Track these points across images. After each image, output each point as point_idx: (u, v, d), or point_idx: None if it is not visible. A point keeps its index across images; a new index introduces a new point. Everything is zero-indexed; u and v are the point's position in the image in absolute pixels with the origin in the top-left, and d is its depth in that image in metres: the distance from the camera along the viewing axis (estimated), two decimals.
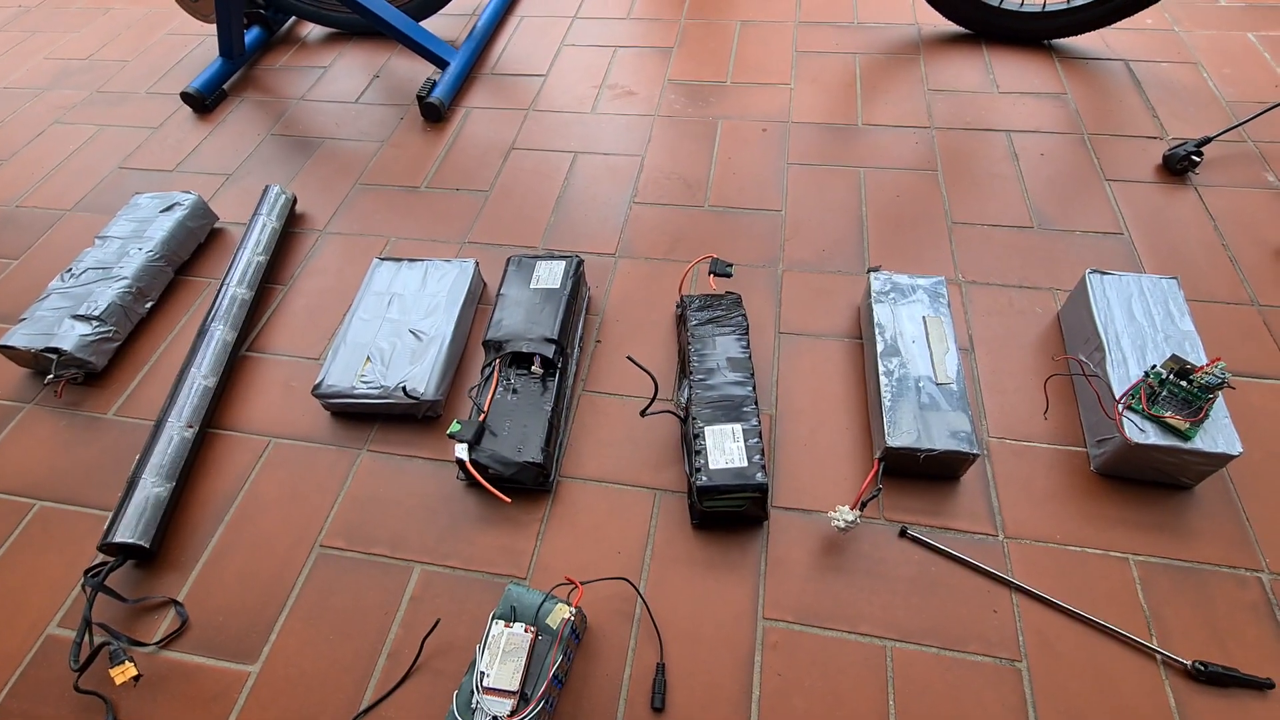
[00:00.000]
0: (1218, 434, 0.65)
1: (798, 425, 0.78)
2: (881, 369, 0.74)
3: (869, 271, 0.83)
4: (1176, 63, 1.19)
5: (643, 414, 0.72)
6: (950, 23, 1.31)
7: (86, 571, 0.67)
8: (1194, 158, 0.99)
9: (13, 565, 0.73)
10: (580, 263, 0.87)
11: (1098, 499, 0.70)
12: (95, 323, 0.86)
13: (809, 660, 0.62)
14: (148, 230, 0.97)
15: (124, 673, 0.60)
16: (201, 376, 0.81)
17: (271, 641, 0.66)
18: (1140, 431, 0.66)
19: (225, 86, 1.32)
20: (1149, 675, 0.60)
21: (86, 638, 0.64)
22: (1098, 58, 1.21)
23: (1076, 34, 1.21)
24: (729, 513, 0.69)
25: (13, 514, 0.77)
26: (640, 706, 0.61)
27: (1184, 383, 0.67)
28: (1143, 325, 0.74)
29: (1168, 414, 0.66)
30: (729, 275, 0.84)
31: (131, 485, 0.72)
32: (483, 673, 0.56)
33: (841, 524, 0.65)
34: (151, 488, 0.72)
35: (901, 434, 0.69)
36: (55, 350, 0.83)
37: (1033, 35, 1.24)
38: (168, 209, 0.99)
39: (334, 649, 0.65)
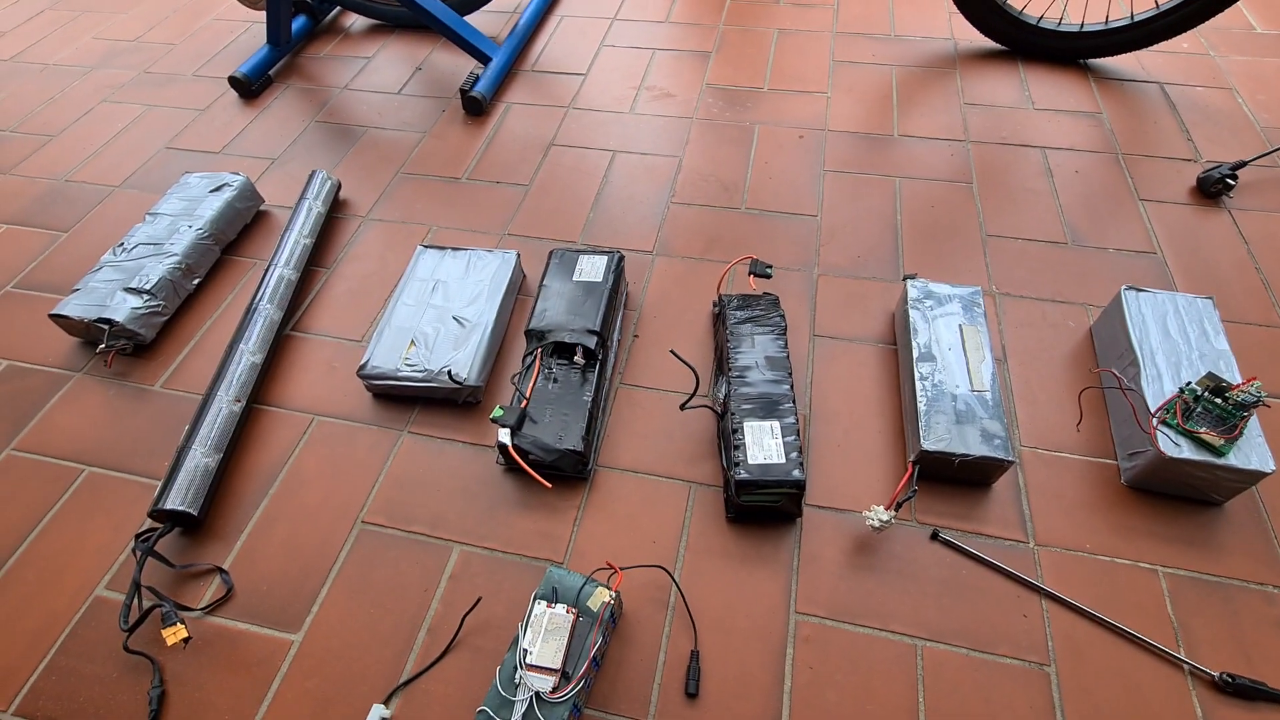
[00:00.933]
0: (1251, 451, 0.66)
1: (832, 426, 0.79)
2: (917, 374, 0.75)
3: (905, 279, 0.85)
4: (1211, 87, 1.20)
5: (683, 407, 0.74)
6: (986, 39, 1.32)
7: (136, 536, 0.69)
8: (1229, 181, 1.00)
9: (62, 528, 0.75)
10: (622, 258, 0.88)
11: (1128, 511, 0.71)
12: (146, 296, 0.89)
13: (840, 655, 0.63)
14: (197, 209, 0.99)
15: (175, 634, 0.62)
16: (249, 353, 0.83)
17: (314, 612, 0.68)
18: (1174, 446, 0.67)
19: (271, 73, 1.34)
20: (1176, 685, 0.61)
21: (136, 600, 0.66)
22: (1133, 79, 1.22)
23: (1112, 55, 1.22)
24: (764, 508, 0.71)
25: (62, 478, 0.79)
26: (674, 691, 0.62)
27: (1219, 400, 0.68)
28: (1177, 343, 0.75)
29: (1202, 430, 0.67)
30: (768, 276, 0.85)
31: (181, 454, 0.74)
32: (525, 650, 0.58)
33: (876, 523, 0.67)
34: (200, 458, 0.74)
35: (937, 438, 0.70)
36: (107, 321, 0.85)
37: (1069, 54, 1.25)
38: (217, 189, 1.02)
39: (375, 622, 0.67)
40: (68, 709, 0.63)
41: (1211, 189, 1.00)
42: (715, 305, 0.88)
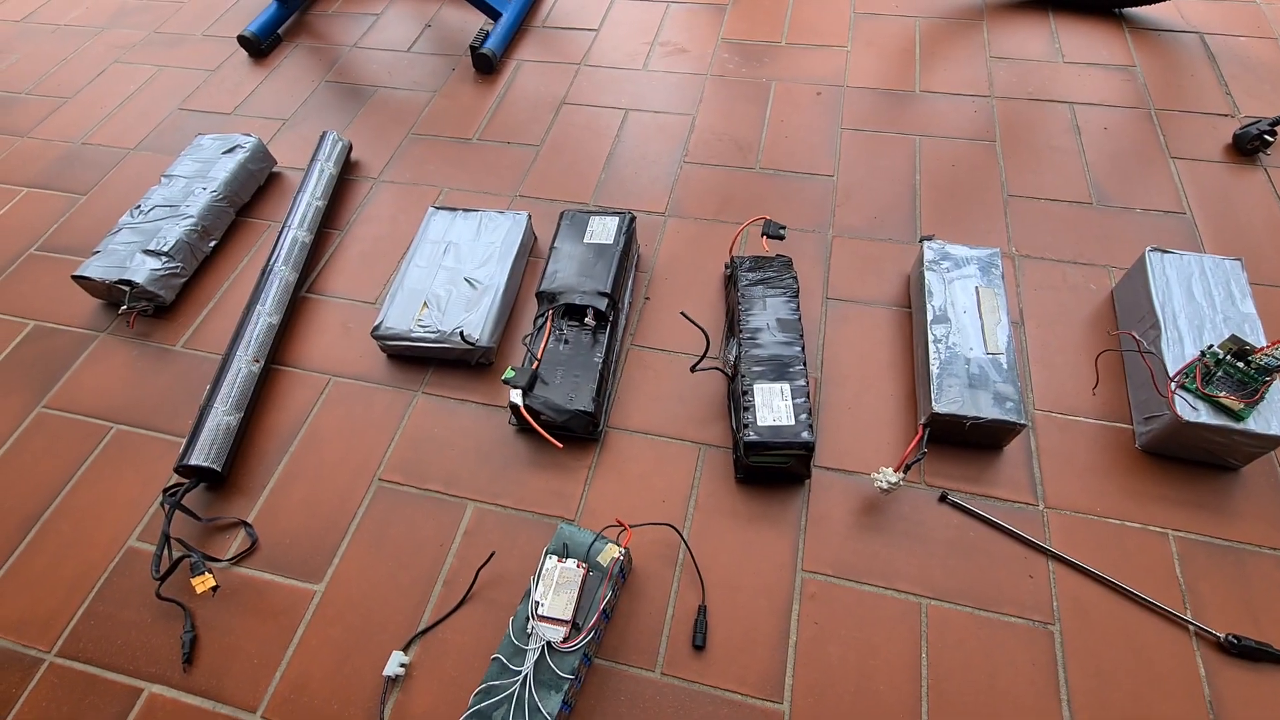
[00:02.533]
0: (1271, 416, 0.65)
1: (842, 389, 0.79)
2: (930, 336, 0.75)
3: (922, 240, 0.83)
4: (1255, 37, 1.14)
5: (693, 369, 0.74)
6: None
7: (164, 490, 0.72)
8: (1266, 137, 0.96)
9: (94, 482, 0.78)
10: (633, 219, 0.87)
11: (1141, 475, 0.71)
12: (164, 258, 0.90)
13: (845, 612, 0.65)
14: (211, 171, 0.99)
15: (204, 583, 0.65)
16: (266, 314, 0.84)
17: (335, 565, 0.70)
18: (1192, 410, 0.66)
19: (280, 31, 1.32)
20: (1181, 645, 0.61)
21: (166, 551, 0.69)
22: (1171, 29, 1.17)
23: (1150, 3, 1.16)
24: (773, 469, 0.71)
25: (92, 435, 0.81)
26: (681, 644, 0.64)
27: (1241, 364, 0.66)
28: (1202, 305, 0.73)
29: (1222, 394, 0.65)
30: (782, 238, 0.84)
31: (203, 413, 0.76)
32: (537, 602, 0.59)
33: (884, 485, 0.67)
34: (222, 416, 0.76)
35: (948, 401, 0.70)
36: (128, 283, 0.87)
37: (1103, 3, 1.19)
38: (229, 150, 1.02)
39: (393, 575, 0.69)
40: (107, 651, 0.67)
41: (1248, 146, 0.96)
42: (727, 267, 0.87)
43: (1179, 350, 0.70)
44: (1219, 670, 0.60)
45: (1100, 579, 0.65)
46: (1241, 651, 0.60)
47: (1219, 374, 0.67)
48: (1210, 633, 0.61)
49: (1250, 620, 0.62)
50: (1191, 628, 0.62)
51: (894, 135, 1.05)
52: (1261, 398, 0.65)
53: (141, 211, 0.95)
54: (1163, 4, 1.19)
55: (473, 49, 1.19)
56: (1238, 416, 0.65)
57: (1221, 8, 1.19)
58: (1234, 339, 0.68)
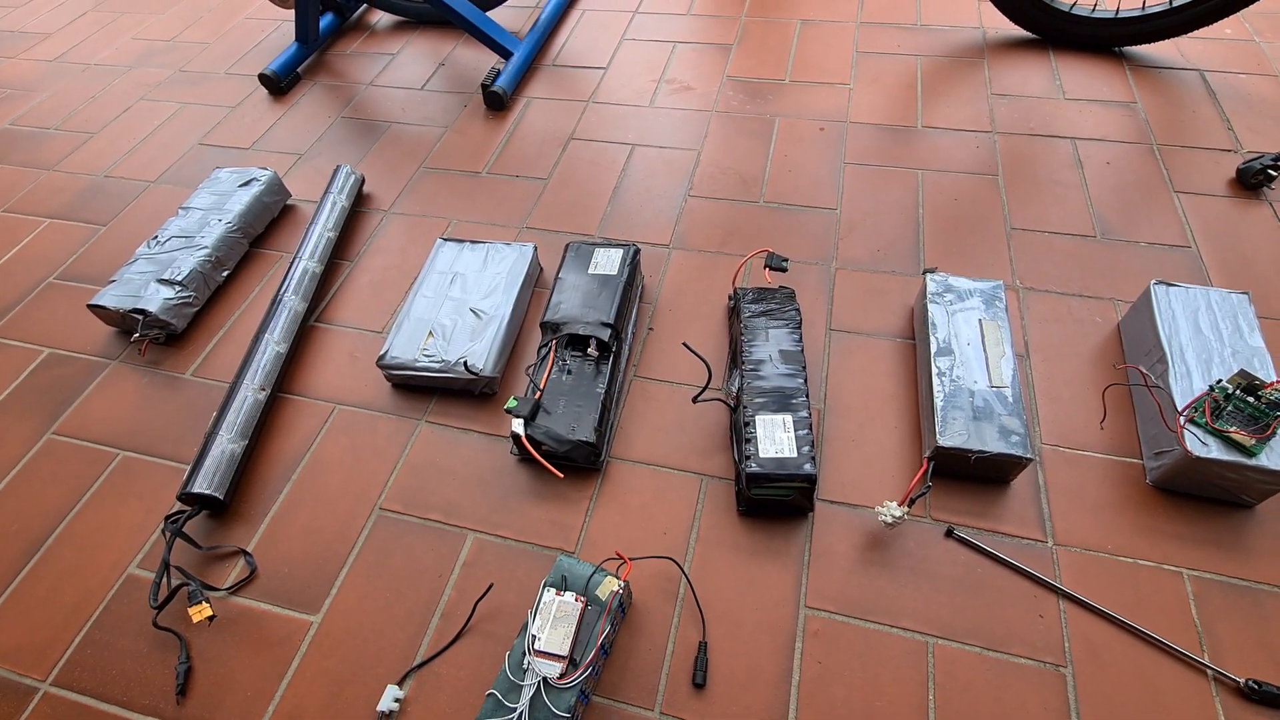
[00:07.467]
0: None
1: (846, 421, 0.78)
2: (935, 369, 0.74)
3: (925, 273, 0.83)
4: (1255, 74, 1.15)
5: (695, 400, 0.74)
6: (1017, 27, 1.29)
7: (166, 518, 0.72)
8: (1270, 172, 0.96)
9: (98, 509, 0.78)
10: (637, 251, 0.89)
11: (1152, 512, 0.69)
12: (178, 287, 0.92)
13: (850, 650, 0.63)
14: (227, 203, 1.02)
15: (200, 612, 0.64)
16: (274, 342, 0.85)
17: (333, 595, 0.70)
18: (1202, 445, 0.65)
19: (299, 70, 1.37)
20: (1198, 690, 0.59)
21: (165, 579, 0.69)
22: (1171, 67, 1.18)
23: (1150, 42, 1.18)
24: (775, 501, 0.70)
25: (98, 461, 0.82)
26: (681, 681, 0.62)
27: (1251, 399, 0.65)
28: (1209, 339, 0.73)
29: (1232, 429, 0.64)
30: (785, 270, 0.84)
31: (208, 440, 0.77)
32: (534, 636, 0.58)
33: (889, 519, 0.66)
34: (227, 444, 0.76)
35: (953, 434, 0.69)
36: (141, 311, 0.89)
37: (1103, 42, 1.21)
38: (245, 184, 1.05)
39: (391, 606, 0.68)
40: (101, 680, 0.66)
41: (1252, 180, 0.97)
42: (730, 298, 0.88)
43: (1187, 385, 0.69)
44: (1239, 717, 0.58)
45: (1113, 619, 0.63)
46: (1263, 698, 0.58)
47: (1229, 409, 0.66)
48: (1229, 677, 0.59)
49: (1270, 664, 0.60)
50: (1210, 672, 0.60)
51: (896, 169, 1.06)
52: (1274, 433, 0.64)
53: (158, 242, 0.97)
54: (1162, 42, 1.21)
55: (484, 87, 1.22)
56: (1250, 452, 0.64)
57: (1221, 46, 1.21)
58: (1243, 373, 0.67)
